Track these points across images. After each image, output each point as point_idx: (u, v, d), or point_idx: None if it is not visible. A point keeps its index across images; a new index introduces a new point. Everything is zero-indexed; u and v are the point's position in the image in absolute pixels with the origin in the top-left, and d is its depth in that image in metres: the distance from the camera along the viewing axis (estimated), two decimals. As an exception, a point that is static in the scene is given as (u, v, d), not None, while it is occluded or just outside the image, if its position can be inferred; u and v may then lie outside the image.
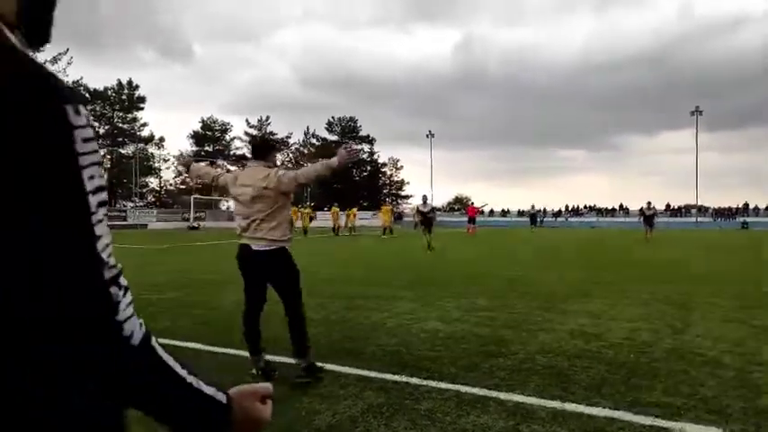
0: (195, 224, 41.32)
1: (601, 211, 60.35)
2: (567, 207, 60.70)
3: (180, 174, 65.03)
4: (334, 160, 3.69)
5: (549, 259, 13.48)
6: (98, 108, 56.63)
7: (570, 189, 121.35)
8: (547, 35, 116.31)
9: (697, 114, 52.86)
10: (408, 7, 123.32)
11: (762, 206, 55.04)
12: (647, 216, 23.84)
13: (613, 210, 60.35)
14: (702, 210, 57.06)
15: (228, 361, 4.28)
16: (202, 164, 4.50)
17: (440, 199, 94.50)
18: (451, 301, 6.89)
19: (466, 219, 55.37)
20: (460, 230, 34.88)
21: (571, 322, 5.58)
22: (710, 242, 22.48)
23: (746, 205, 54.29)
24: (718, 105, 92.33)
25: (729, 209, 55.86)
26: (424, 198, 18.37)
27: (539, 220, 34.31)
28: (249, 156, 4.12)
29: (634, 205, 61.71)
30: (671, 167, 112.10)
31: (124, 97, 57.64)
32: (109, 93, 56.70)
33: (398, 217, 42.63)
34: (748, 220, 48.29)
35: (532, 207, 37.33)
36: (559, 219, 55.78)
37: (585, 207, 61.32)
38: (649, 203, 23.89)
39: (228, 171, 4.27)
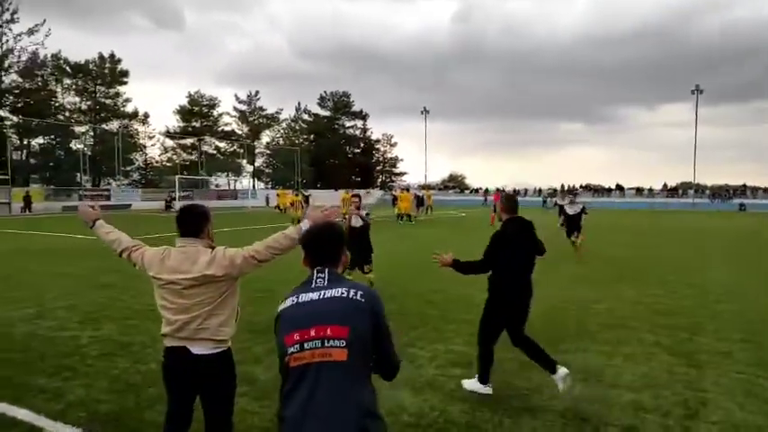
0: (170, 204, 39.50)
1: (597, 191, 59.55)
2: (562, 186, 59.77)
3: (166, 150, 63.53)
4: (305, 224, 2.82)
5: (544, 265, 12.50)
6: (80, 83, 54.61)
7: (568, 163, 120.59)
8: (547, 6, 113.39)
9: (697, 93, 51.72)
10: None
11: (760, 184, 54.46)
12: (570, 216, 14.25)
13: (609, 189, 59.54)
14: (699, 190, 56.34)
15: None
16: (109, 228, 3.24)
17: (434, 175, 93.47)
18: (425, 347, 5.98)
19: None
20: (455, 214, 33.68)
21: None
22: (712, 233, 21.64)
23: (744, 186, 53.56)
24: (719, 78, 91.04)
25: (727, 189, 55.12)
26: (357, 194, 10.53)
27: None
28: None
29: (631, 183, 61.18)
30: (669, 142, 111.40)
31: (106, 71, 55.53)
32: (90, 66, 54.61)
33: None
34: (746, 201, 47.59)
35: (561, 189, 25.57)
36: (554, 199, 54.90)
37: (581, 186, 60.49)
38: (570, 190, 15.38)
39: (136, 246, 3.10)
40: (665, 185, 59.43)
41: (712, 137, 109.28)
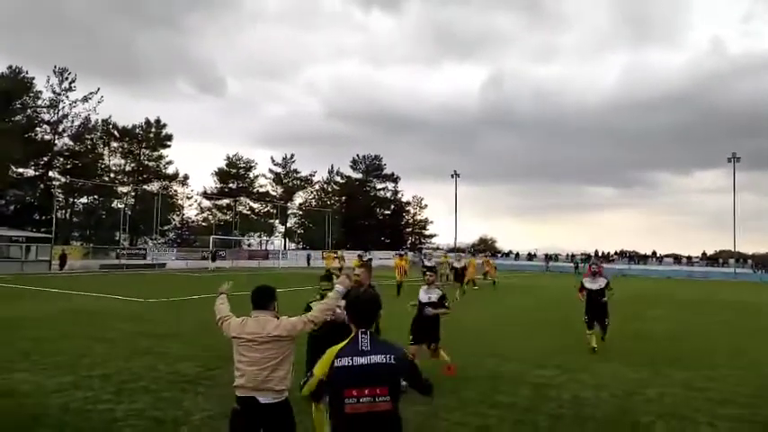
0: (214, 258, 41.69)
1: (633, 257, 58.04)
2: (596, 252, 58.50)
3: (202, 210, 65.31)
4: (340, 286, 4.07)
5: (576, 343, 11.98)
6: (125, 146, 57.45)
7: (601, 228, 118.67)
8: (579, 72, 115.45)
9: (734, 161, 50.87)
10: (438, 44, 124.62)
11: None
12: (594, 296, 10.53)
13: (646, 256, 57.98)
14: (741, 259, 54.32)
15: None
16: (224, 300, 4.22)
17: (465, 238, 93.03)
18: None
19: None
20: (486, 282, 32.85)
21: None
22: (763, 309, 20.53)
23: (789, 256, 51.45)
24: (756, 144, 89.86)
25: (770, 258, 53.01)
26: (366, 262, 7.97)
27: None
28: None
29: (667, 249, 59.29)
30: (705, 209, 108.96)
31: (151, 135, 58.42)
32: (137, 131, 57.59)
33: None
34: (792, 273, 45.52)
35: (596, 254, 25.66)
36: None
37: (616, 253, 59.08)
38: (604, 256, 10.79)
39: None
40: (703, 254, 57.61)
41: (750, 204, 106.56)
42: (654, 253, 58.55)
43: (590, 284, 10.59)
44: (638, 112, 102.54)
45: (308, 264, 48.92)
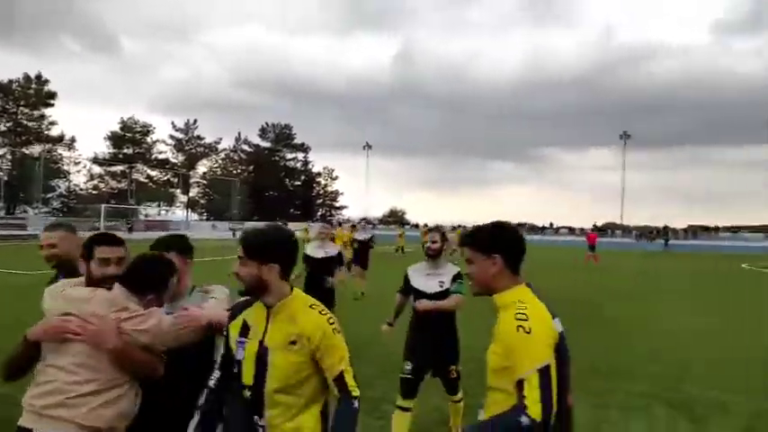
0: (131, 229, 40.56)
1: (532, 229, 61.43)
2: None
3: (93, 177, 60.08)
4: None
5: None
6: (0, 102, 51.01)
7: (502, 202, 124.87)
8: (485, 49, 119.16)
9: (625, 138, 55.04)
10: (349, 14, 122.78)
11: (679, 225, 58.03)
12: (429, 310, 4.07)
13: (543, 228, 61.63)
14: (626, 230, 59.26)
15: None
16: None
17: (375, 210, 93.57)
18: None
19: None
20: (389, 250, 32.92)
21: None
22: (657, 272, 22.24)
23: (666, 227, 56.97)
24: (642, 126, 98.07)
25: (650, 230, 58.29)
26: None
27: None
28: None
29: (559, 221, 63.68)
30: (595, 183, 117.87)
31: (31, 92, 52.21)
32: (14, 86, 51.18)
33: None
34: (671, 242, 50.34)
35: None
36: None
37: (518, 224, 62.33)
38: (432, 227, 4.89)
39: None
40: (594, 225, 62.11)
41: (636, 180, 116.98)
42: (551, 224, 62.32)
43: (422, 283, 4.24)
44: (540, 91, 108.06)
45: (234, 236, 44.74)
